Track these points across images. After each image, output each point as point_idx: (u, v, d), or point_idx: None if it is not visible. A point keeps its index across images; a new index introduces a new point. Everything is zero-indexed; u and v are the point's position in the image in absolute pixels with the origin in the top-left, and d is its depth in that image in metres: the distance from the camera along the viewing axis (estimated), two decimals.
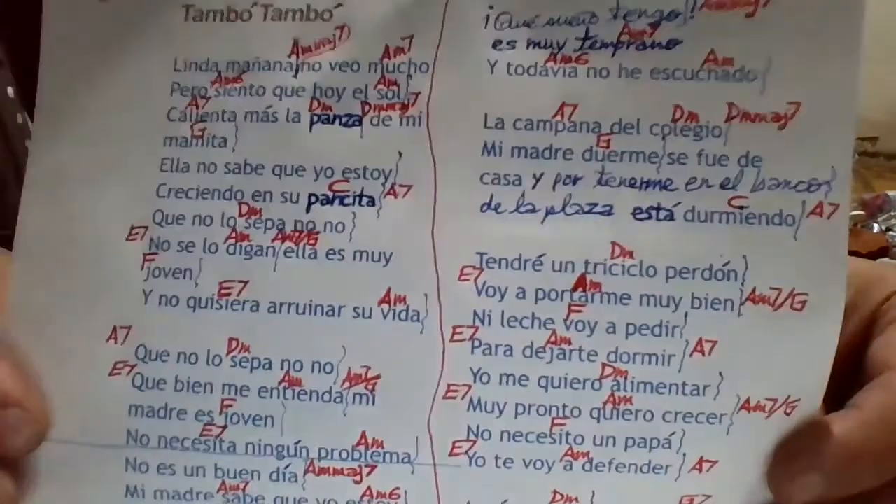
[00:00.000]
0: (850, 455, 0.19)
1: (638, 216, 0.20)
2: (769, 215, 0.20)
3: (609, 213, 0.20)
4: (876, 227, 0.79)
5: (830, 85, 0.20)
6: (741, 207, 0.20)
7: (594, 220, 0.20)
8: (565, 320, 0.20)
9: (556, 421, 0.20)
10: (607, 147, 0.20)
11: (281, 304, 0.21)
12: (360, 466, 0.21)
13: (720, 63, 0.20)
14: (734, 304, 0.20)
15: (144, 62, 0.21)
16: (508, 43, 0.21)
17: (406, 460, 0.21)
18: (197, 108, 0.21)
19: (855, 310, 0.21)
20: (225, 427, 0.21)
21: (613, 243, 0.20)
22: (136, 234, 0.21)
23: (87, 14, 0.21)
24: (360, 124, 0.21)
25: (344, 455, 0.21)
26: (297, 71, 0.21)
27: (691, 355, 0.20)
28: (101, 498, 0.21)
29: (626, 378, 0.20)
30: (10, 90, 0.42)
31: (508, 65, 0.21)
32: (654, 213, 0.20)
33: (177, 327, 0.21)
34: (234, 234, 0.21)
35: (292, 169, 0.21)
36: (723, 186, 0.20)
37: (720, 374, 0.20)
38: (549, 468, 0.21)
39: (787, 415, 0.20)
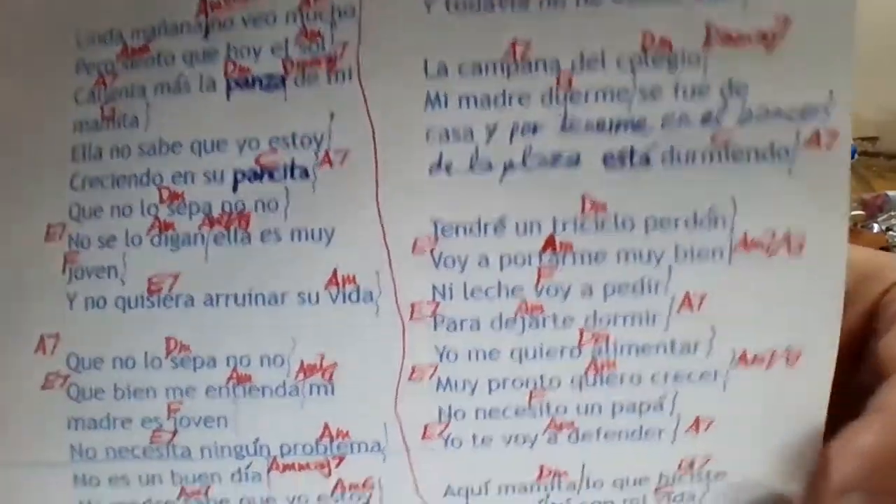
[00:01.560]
0: (886, 464, 0.17)
1: (609, 164, 0.18)
2: (759, 150, 0.17)
3: (576, 164, 0.18)
4: (876, 227, 0.78)
5: None
6: (726, 143, 0.17)
7: (559, 172, 0.18)
8: (535, 286, 0.18)
9: (534, 393, 0.19)
10: (569, 87, 0.18)
11: (217, 296, 0.19)
12: (327, 459, 0.19)
13: None
14: (724, 252, 0.18)
15: (43, 39, 0.18)
16: None
17: (376, 448, 0.19)
18: (105, 86, 0.18)
19: (853, 301, 0.20)
20: (175, 432, 0.19)
21: (583, 197, 0.18)
22: (55, 232, 0.19)
23: None
24: (283, 86, 0.18)
25: (308, 449, 0.19)
26: (206, 31, 0.18)
27: (678, 311, 0.18)
28: None
29: (607, 342, 0.18)
30: None
31: (447, 1, 0.18)
32: (627, 158, 0.18)
33: (108, 331, 0.19)
34: (157, 224, 0.19)
35: (212, 144, 0.18)
36: (704, 121, 0.17)
37: (712, 328, 0.18)
38: (533, 443, 0.19)
39: (790, 366, 0.18)
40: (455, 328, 0.18)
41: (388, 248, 0.18)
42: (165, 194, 0.18)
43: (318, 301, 0.18)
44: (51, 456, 0.19)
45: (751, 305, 0.18)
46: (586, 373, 0.18)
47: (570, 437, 0.19)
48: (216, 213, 0.18)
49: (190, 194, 0.18)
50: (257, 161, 0.18)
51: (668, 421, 0.19)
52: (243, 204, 0.18)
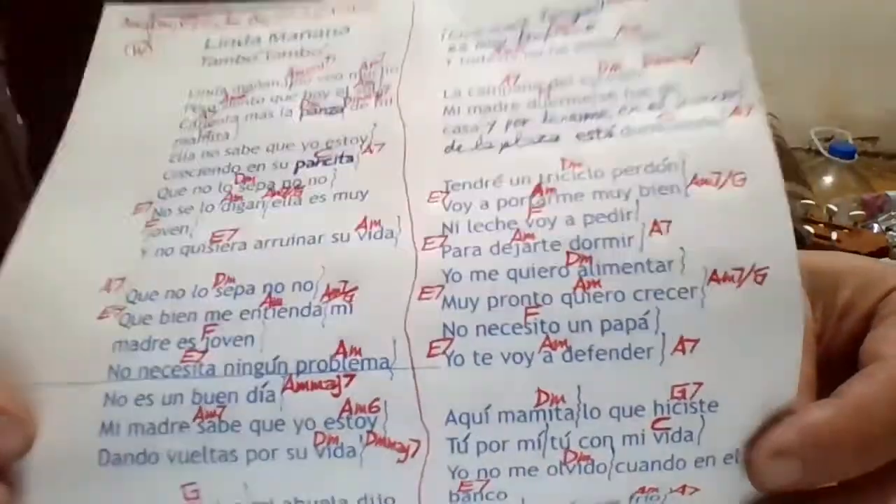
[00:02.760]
0: (827, 442, 0.19)
1: (581, 139, 0.23)
2: (696, 121, 0.23)
3: (556, 140, 0.23)
4: (876, 227, 0.74)
5: (723, 25, 0.24)
6: (671, 119, 0.23)
7: (544, 146, 0.23)
8: (527, 220, 0.22)
9: (529, 310, 0.21)
10: (548, 97, 0.24)
11: (266, 241, 0.23)
12: (338, 377, 0.21)
13: (630, 31, 0.25)
14: (680, 188, 0.22)
15: (161, 92, 0.26)
16: (461, 47, 0.26)
17: (384, 365, 0.21)
18: (206, 118, 0.26)
19: (854, 308, 0.22)
20: (206, 351, 0.21)
21: (563, 159, 0.23)
22: (141, 208, 0.24)
23: (124, 66, 0.27)
24: (342, 112, 0.25)
25: (322, 366, 0.21)
26: (291, 86, 0.26)
27: (650, 235, 0.21)
28: (75, 436, 0.21)
29: (591, 263, 0.21)
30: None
31: (461, 59, 0.26)
32: (595, 134, 0.23)
33: (168, 272, 0.22)
34: (229, 196, 0.24)
35: (283, 146, 0.25)
36: (650, 108, 0.23)
37: (681, 248, 0.21)
38: (530, 362, 0.20)
39: (759, 283, 0.20)
40: (460, 255, 0.22)
41: (408, 200, 0.23)
42: (240, 178, 0.24)
43: (348, 240, 0.22)
44: (90, 376, 0.21)
45: (711, 229, 0.21)
46: (574, 290, 0.21)
47: (564, 355, 0.20)
48: (278, 188, 0.24)
49: (260, 177, 0.24)
50: (316, 154, 0.24)
51: (655, 339, 0.20)
52: (300, 181, 0.24)
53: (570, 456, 0.20)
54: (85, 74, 0.27)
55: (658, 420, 0.20)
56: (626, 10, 0.25)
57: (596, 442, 0.20)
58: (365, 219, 0.23)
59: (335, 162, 0.24)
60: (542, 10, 0.26)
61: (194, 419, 0.20)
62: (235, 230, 0.23)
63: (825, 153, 0.96)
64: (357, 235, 0.22)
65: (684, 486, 0.20)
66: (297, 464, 0.20)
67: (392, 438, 0.20)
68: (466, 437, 0.20)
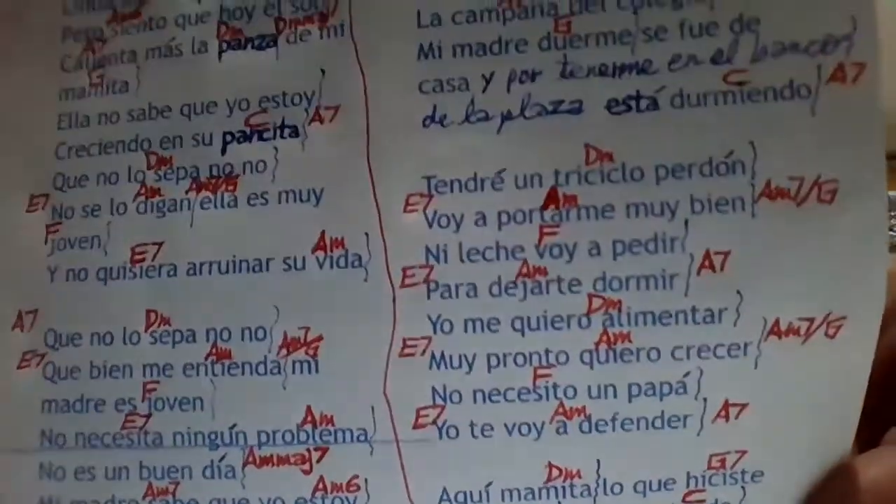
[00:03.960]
0: (888, 499, 0.16)
1: (614, 110, 0.16)
2: (777, 89, 0.16)
3: (578, 111, 0.17)
4: None
5: None
6: (741, 84, 0.16)
7: (561, 120, 0.17)
8: (537, 246, 0.16)
9: (539, 371, 0.16)
10: (568, 31, 0.17)
11: (201, 265, 0.17)
12: (308, 451, 0.17)
13: None
14: (745, 202, 0.16)
15: (29, 5, 0.19)
16: None
17: (362, 438, 0.17)
18: (93, 52, 0.18)
19: (892, 322, 0.18)
20: (149, 416, 0.18)
21: (587, 146, 0.16)
22: (37, 203, 0.18)
23: None
24: (276, 44, 0.18)
25: (288, 437, 0.17)
26: None
27: (699, 273, 0.16)
28: None
29: (619, 310, 0.16)
30: None
31: None
32: (632, 103, 0.16)
33: (87, 305, 0.18)
34: (143, 190, 0.18)
35: (202, 106, 0.18)
36: (714, 61, 0.16)
37: (738, 292, 0.16)
38: (539, 433, 0.17)
39: (831, 337, 0.16)
40: (450, 295, 0.17)
41: (378, 207, 0.17)
42: (153, 160, 0.18)
43: (304, 267, 0.17)
44: (21, 442, 0.18)
45: (781, 265, 0.16)
46: (597, 346, 0.16)
47: (581, 425, 0.16)
48: (204, 177, 0.18)
49: (178, 158, 0.18)
50: (247, 122, 0.18)
51: (694, 406, 0.16)
52: (231, 167, 0.18)
53: None
54: None
55: (691, 493, 0.17)
56: None
57: None
58: (323, 235, 0.17)
59: (274, 136, 0.18)
60: None
61: (144, 496, 0.18)
62: (160, 244, 0.18)
63: None
64: (315, 261, 0.17)
65: None
66: None
67: None
68: None
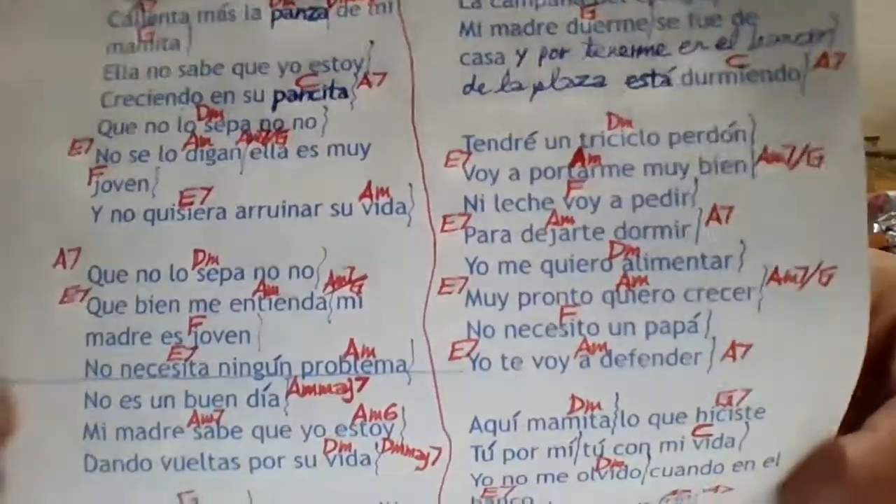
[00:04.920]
0: (864, 479, 0.18)
1: (633, 84, 0.19)
2: (772, 71, 0.19)
3: (602, 84, 0.19)
4: (876, 227, 0.77)
5: None
6: (741, 66, 0.19)
7: (586, 91, 0.19)
8: (565, 198, 0.19)
9: (565, 309, 0.18)
10: (592, 17, 0.19)
11: (250, 209, 0.19)
12: (349, 381, 0.18)
13: None
14: (747, 165, 0.18)
15: None
16: None
17: (401, 368, 0.18)
18: (143, 10, 0.20)
19: (878, 311, 0.20)
20: (195, 348, 0.18)
21: (609, 114, 0.19)
22: (80, 147, 0.19)
23: None
24: (326, 17, 0.20)
25: (331, 368, 0.18)
26: None
27: (707, 224, 0.18)
28: (58, 440, 0.18)
29: (638, 255, 0.18)
30: None
31: None
32: (649, 79, 0.19)
33: (133, 243, 0.19)
34: (193, 140, 0.19)
35: (254, 66, 0.19)
36: (719, 46, 0.19)
37: (741, 242, 0.18)
38: (564, 366, 0.18)
39: (824, 285, 0.18)
40: (486, 240, 0.18)
41: (421, 161, 0.19)
42: (204, 112, 0.19)
43: (350, 213, 0.19)
44: (66, 373, 0.19)
45: (778, 219, 0.18)
46: (617, 288, 0.18)
47: (602, 360, 0.18)
48: (254, 130, 0.19)
49: (229, 113, 0.19)
50: (298, 82, 0.19)
51: (704, 344, 0.18)
52: (282, 122, 0.19)
53: (602, 463, 0.19)
54: None
55: (700, 427, 0.18)
56: None
57: (632, 449, 0.19)
58: (369, 185, 0.19)
59: (324, 96, 0.19)
60: None
61: (189, 424, 0.18)
62: (209, 189, 0.19)
63: None
64: (361, 207, 0.19)
65: (718, 486, 0.19)
66: (305, 472, 0.19)
67: (410, 446, 0.19)
68: (492, 445, 0.19)
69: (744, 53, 0.19)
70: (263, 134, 0.19)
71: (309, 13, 0.20)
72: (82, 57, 0.20)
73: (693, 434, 0.19)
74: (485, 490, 0.19)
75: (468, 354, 0.18)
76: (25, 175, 0.19)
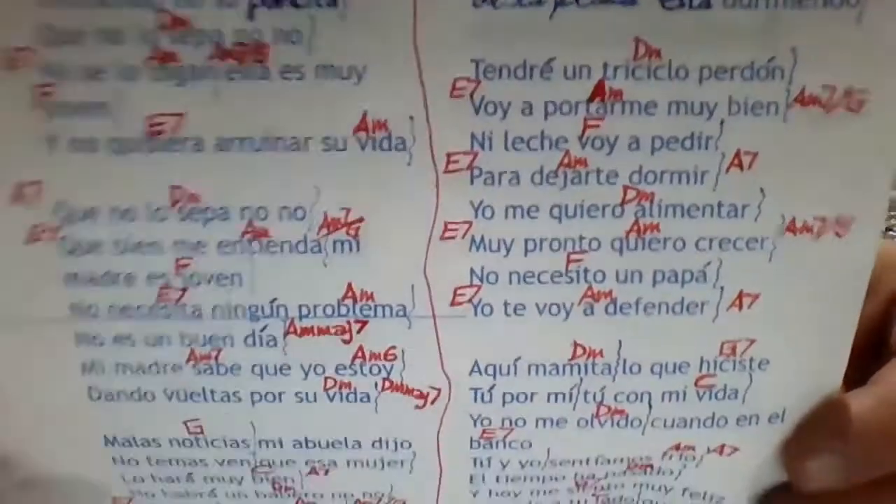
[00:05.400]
0: (869, 433, 0.18)
1: (667, 4, 0.16)
2: None
3: (632, 3, 0.16)
4: None
5: None
6: None
7: (614, 10, 0.16)
8: (580, 137, 0.17)
9: (572, 256, 0.18)
10: None
11: (231, 140, 0.17)
12: (348, 323, 0.18)
13: None
14: (779, 107, 0.17)
15: None
16: None
17: (401, 313, 0.18)
18: None
19: (874, 291, 0.19)
20: (185, 290, 0.18)
21: (637, 39, 0.17)
22: (17, 59, 0.16)
23: None
24: None
25: (329, 311, 0.18)
26: None
27: (727, 171, 0.17)
28: (57, 376, 0.18)
29: (651, 202, 0.17)
30: None
31: None
32: (686, 0, 0.16)
33: (101, 178, 0.17)
34: (156, 54, 0.17)
35: None
36: None
37: (761, 190, 0.17)
38: (567, 314, 0.18)
39: (840, 237, 0.17)
40: (493, 182, 0.17)
41: (424, 90, 0.17)
42: (167, 19, 0.16)
43: (344, 148, 0.17)
44: (49, 311, 0.18)
45: (803, 168, 0.17)
46: (627, 235, 0.17)
47: (607, 307, 0.18)
48: (228, 42, 0.16)
49: (196, 20, 0.16)
50: None
51: (711, 294, 0.18)
52: (260, 33, 0.16)
53: (602, 410, 0.19)
54: None
55: (702, 377, 0.19)
56: None
57: (633, 397, 0.19)
58: (364, 117, 0.17)
59: (309, 4, 0.17)
60: None
61: (187, 361, 0.18)
62: (181, 115, 0.17)
63: None
64: (356, 141, 0.17)
65: (722, 446, 0.20)
66: (306, 407, 0.19)
67: (410, 385, 0.19)
68: (491, 388, 0.19)
69: None
70: (239, 48, 0.17)
71: None
72: None
73: (696, 384, 0.19)
74: (483, 431, 0.19)
75: (470, 300, 0.18)
76: None
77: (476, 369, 0.18)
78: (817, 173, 0.17)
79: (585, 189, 0.17)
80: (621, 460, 0.20)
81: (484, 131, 0.17)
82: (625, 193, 0.17)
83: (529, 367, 0.18)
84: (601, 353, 0.18)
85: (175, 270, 0.18)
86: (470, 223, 0.17)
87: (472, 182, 0.17)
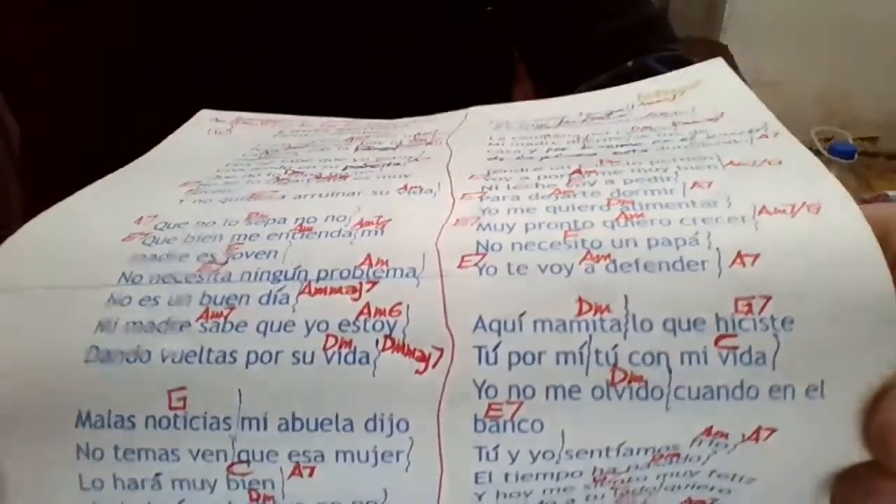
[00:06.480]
0: None
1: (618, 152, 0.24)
2: (729, 139, 0.24)
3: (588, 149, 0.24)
4: None
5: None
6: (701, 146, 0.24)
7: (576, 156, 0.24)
8: (567, 184, 0.22)
9: (569, 233, 0.20)
10: (586, 140, 0.26)
11: (305, 195, 0.23)
12: (360, 283, 0.19)
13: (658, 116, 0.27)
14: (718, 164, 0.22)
15: (234, 144, 0.29)
16: (506, 126, 0.29)
17: (411, 274, 0.19)
18: (267, 154, 0.28)
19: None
20: (225, 263, 0.20)
21: (600, 158, 0.23)
22: (188, 184, 0.25)
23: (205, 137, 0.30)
24: (395, 149, 0.27)
25: (345, 274, 0.19)
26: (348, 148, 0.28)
27: (692, 188, 0.21)
28: (66, 336, 0.19)
29: (633, 204, 0.20)
30: None
31: (505, 135, 0.28)
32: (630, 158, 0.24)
33: (201, 211, 0.22)
34: (275, 179, 0.25)
35: (334, 159, 0.26)
36: (683, 141, 0.24)
37: (726, 194, 0.20)
38: (569, 272, 0.19)
39: (815, 214, 0.19)
40: (498, 199, 0.21)
41: (450, 177, 0.23)
42: (289, 171, 0.25)
43: (388, 194, 0.22)
44: (99, 281, 0.20)
45: (753, 183, 0.20)
46: (617, 219, 0.20)
47: (607, 267, 0.19)
48: (325, 175, 0.25)
49: (307, 170, 0.25)
50: (364, 163, 0.25)
51: (709, 254, 0.18)
52: (346, 174, 0.25)
53: (618, 375, 0.17)
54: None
55: (722, 337, 0.17)
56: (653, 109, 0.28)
57: (648, 359, 0.17)
58: (406, 185, 0.23)
59: (381, 167, 0.25)
60: (579, 111, 0.29)
61: (198, 319, 0.19)
62: (276, 190, 0.23)
63: (825, 153, 0.95)
64: (396, 193, 0.22)
65: (758, 430, 0.17)
66: (301, 370, 0.18)
67: (412, 346, 0.18)
68: (497, 347, 0.17)
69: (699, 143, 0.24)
70: (329, 175, 0.24)
71: (381, 148, 0.27)
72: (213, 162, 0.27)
73: (716, 345, 0.17)
74: (489, 406, 0.17)
75: (476, 264, 0.19)
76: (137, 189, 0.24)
77: (480, 325, 0.18)
78: (772, 182, 0.20)
79: (574, 199, 0.21)
80: (646, 451, 0.16)
81: (491, 185, 0.22)
82: (608, 202, 0.21)
83: (535, 322, 0.18)
84: (608, 308, 0.18)
85: (225, 251, 0.20)
86: (478, 218, 0.20)
87: (481, 200, 0.21)
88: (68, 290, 0.20)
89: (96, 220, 0.22)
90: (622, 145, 0.24)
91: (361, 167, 0.25)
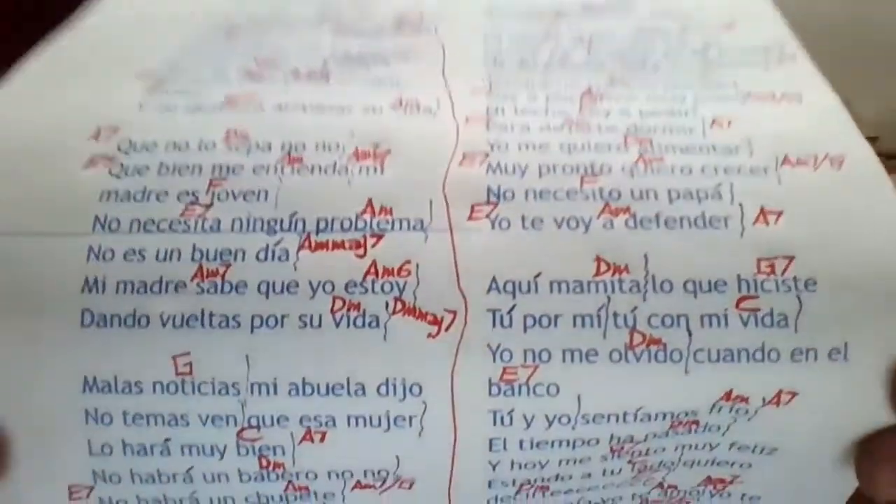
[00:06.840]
0: None
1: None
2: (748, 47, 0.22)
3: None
4: None
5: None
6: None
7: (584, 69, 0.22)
8: (578, 112, 0.20)
9: (585, 179, 0.18)
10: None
11: (286, 104, 0.20)
12: (364, 237, 0.18)
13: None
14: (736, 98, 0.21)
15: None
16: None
17: (418, 227, 0.18)
18: (230, 31, 0.24)
19: None
20: (210, 205, 0.18)
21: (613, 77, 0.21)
22: (145, 75, 0.21)
23: None
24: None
25: (346, 225, 0.18)
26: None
27: (711, 127, 0.19)
28: (55, 295, 0.17)
29: (651, 144, 0.19)
30: None
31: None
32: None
33: (169, 125, 0.20)
34: (247, 74, 0.22)
35: (309, 46, 0.23)
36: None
37: (747, 137, 0.19)
38: (587, 227, 0.18)
39: (837, 169, 0.18)
40: (506, 130, 0.20)
41: (448, 88, 0.21)
42: (261, 60, 0.22)
43: (381, 112, 0.20)
44: (72, 227, 0.18)
45: (776, 125, 0.19)
46: (636, 163, 0.19)
47: (626, 222, 0.18)
48: (303, 72, 0.22)
49: (283, 63, 0.22)
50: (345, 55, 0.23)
51: (732, 209, 0.18)
52: (328, 71, 0.22)
53: (637, 338, 0.17)
54: None
55: (744, 298, 0.17)
56: None
57: (668, 321, 0.17)
58: (400, 99, 0.20)
59: (366, 65, 0.22)
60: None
61: (193, 278, 0.17)
62: (253, 94, 0.20)
63: None
64: (391, 110, 0.20)
65: (779, 394, 0.17)
66: (309, 334, 0.17)
67: (423, 308, 0.17)
68: (511, 309, 0.17)
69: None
70: (308, 73, 0.21)
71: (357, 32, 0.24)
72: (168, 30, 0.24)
73: (737, 307, 0.17)
74: (504, 370, 0.17)
75: (487, 216, 0.18)
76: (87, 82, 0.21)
77: (494, 286, 0.17)
78: (794, 127, 0.19)
79: (589, 135, 0.19)
80: (664, 416, 0.16)
81: (496, 105, 0.21)
82: (626, 139, 0.19)
83: (551, 283, 0.17)
84: (627, 268, 0.17)
85: (207, 188, 0.18)
86: (487, 154, 0.19)
87: (487, 128, 0.20)
88: (37, 238, 0.18)
89: (48, 137, 0.19)
90: (630, 55, 0.22)
91: (343, 60, 0.22)
